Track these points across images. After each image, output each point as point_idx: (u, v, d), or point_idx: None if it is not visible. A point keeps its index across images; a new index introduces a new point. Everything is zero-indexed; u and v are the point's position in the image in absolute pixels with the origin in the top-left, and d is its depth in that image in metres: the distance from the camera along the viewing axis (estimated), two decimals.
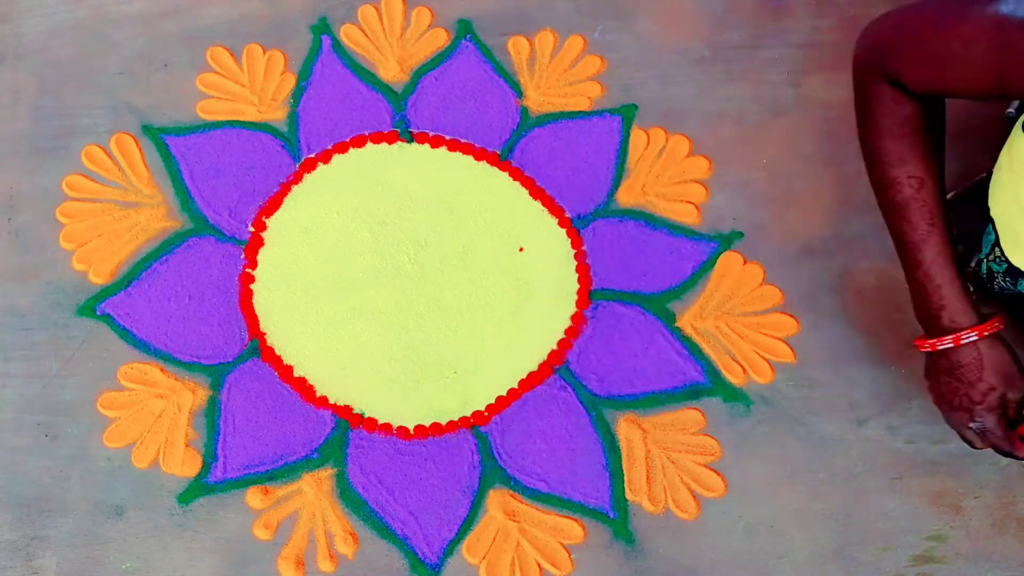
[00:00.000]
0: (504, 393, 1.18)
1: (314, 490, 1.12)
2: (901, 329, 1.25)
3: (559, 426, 1.17)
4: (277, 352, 1.18)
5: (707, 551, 1.13)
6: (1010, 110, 1.37)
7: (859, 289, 1.27)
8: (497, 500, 1.13)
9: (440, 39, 1.37)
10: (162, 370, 1.16)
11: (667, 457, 1.17)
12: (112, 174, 1.25)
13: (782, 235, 1.30)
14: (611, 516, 1.13)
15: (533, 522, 1.13)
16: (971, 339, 0.96)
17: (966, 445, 1.20)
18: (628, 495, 1.15)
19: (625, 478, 1.15)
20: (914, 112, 0.97)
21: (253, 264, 1.22)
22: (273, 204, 1.25)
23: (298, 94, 1.32)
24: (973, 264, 1.13)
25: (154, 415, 1.13)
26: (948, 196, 1.13)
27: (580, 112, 1.34)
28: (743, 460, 1.17)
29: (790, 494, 1.16)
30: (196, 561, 1.08)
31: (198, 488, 1.11)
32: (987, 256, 1.08)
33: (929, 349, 1.00)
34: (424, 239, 1.25)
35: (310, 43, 1.35)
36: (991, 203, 1.05)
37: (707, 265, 1.27)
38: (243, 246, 1.23)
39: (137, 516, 1.09)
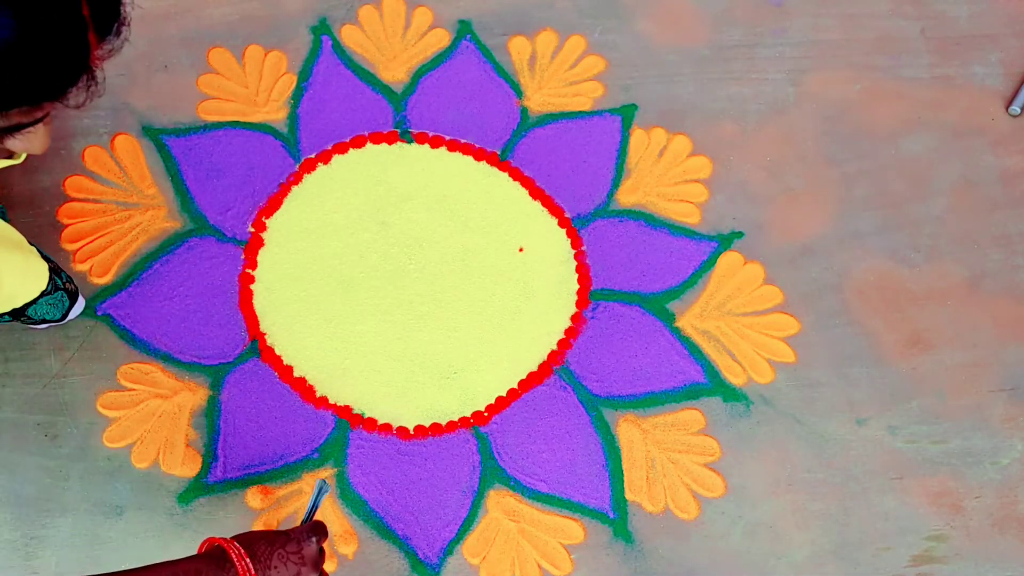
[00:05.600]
0: (504, 393, 1.18)
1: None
2: (901, 329, 1.26)
3: (559, 426, 1.17)
4: (277, 352, 1.18)
5: (707, 551, 1.13)
6: (1014, 107, 1.37)
7: (859, 289, 1.27)
8: (497, 500, 1.13)
9: (440, 39, 1.37)
10: (162, 370, 1.16)
11: (667, 457, 1.17)
12: (113, 175, 1.25)
13: (782, 235, 1.30)
14: (611, 516, 1.13)
15: (533, 522, 1.13)
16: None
17: (966, 445, 1.20)
18: (628, 495, 1.14)
19: (625, 478, 1.15)
20: None
21: (253, 264, 1.22)
22: (273, 204, 1.25)
23: (298, 95, 1.32)
24: None
25: (154, 415, 1.13)
26: None
27: (580, 112, 1.34)
28: (743, 460, 1.17)
29: (790, 494, 1.16)
30: None
31: (198, 488, 1.11)
32: None
33: None
34: (424, 239, 1.25)
35: (310, 44, 1.35)
36: None
37: (707, 265, 1.27)
38: (243, 246, 1.23)
39: (137, 516, 1.09)
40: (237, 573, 0.82)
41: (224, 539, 0.85)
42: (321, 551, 0.92)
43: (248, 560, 0.82)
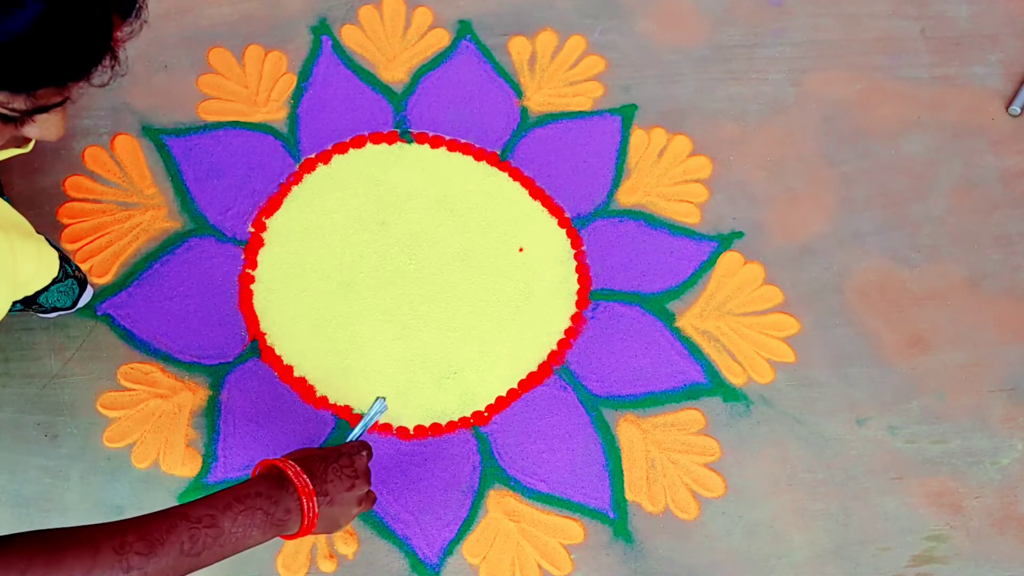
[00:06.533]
0: (504, 393, 1.18)
1: None
2: (901, 329, 1.25)
3: (559, 426, 1.17)
4: (277, 352, 1.18)
5: (707, 551, 1.13)
6: (1014, 107, 1.37)
7: (859, 289, 1.27)
8: (497, 500, 1.13)
9: (440, 39, 1.37)
10: (162, 370, 1.16)
11: (667, 457, 1.17)
12: (113, 175, 1.25)
13: (782, 235, 1.30)
14: (611, 516, 1.13)
15: (533, 522, 1.13)
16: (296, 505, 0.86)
17: (966, 445, 1.21)
18: (628, 495, 1.15)
19: (625, 478, 1.15)
20: None
21: (253, 264, 1.22)
22: (273, 204, 1.25)
23: (298, 95, 1.32)
24: None
25: (154, 415, 1.13)
26: None
27: (580, 112, 1.34)
28: (743, 460, 1.17)
29: (790, 494, 1.16)
30: None
31: (198, 488, 1.11)
32: None
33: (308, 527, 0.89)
34: (424, 239, 1.25)
35: (310, 44, 1.35)
36: None
37: (707, 265, 1.27)
38: (243, 246, 1.23)
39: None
40: (296, 489, 0.85)
41: (280, 459, 0.88)
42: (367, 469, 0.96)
43: (306, 477, 0.87)
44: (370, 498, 0.97)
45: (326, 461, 0.91)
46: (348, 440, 1.02)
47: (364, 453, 0.97)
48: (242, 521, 0.81)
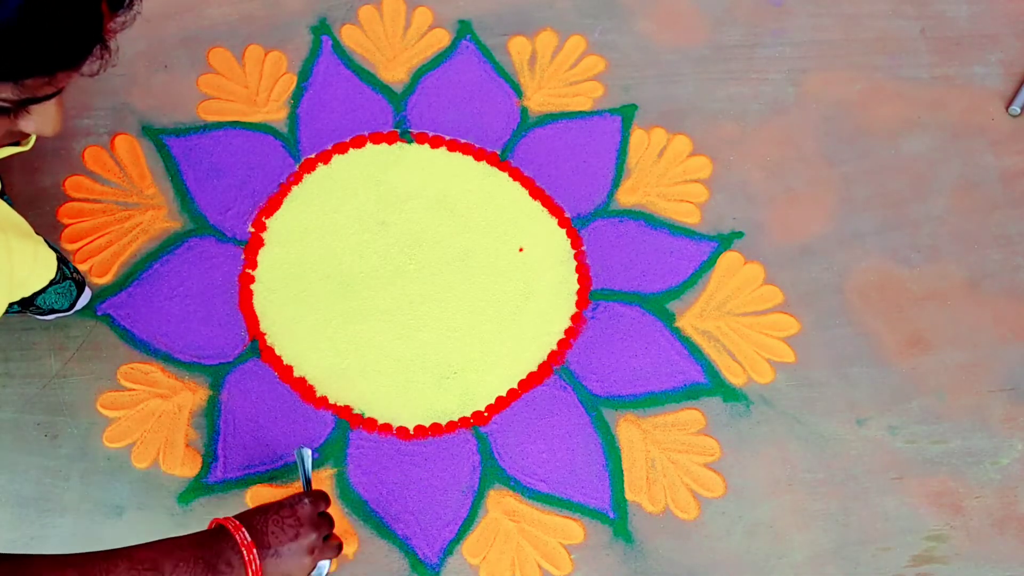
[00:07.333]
0: (504, 393, 1.18)
1: None
2: (901, 329, 1.26)
3: (559, 426, 1.17)
4: (277, 352, 1.18)
5: (707, 551, 1.13)
6: (1014, 107, 1.38)
7: (859, 289, 1.27)
8: (497, 500, 1.13)
9: (440, 39, 1.37)
10: (162, 370, 1.16)
11: (667, 457, 1.17)
12: (113, 175, 1.25)
13: (782, 235, 1.30)
14: (611, 516, 1.13)
15: (533, 522, 1.13)
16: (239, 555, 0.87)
17: (966, 445, 1.20)
18: (628, 495, 1.14)
19: (625, 478, 1.15)
20: None
21: (253, 264, 1.22)
22: (273, 204, 1.25)
23: (298, 95, 1.32)
24: None
25: (154, 415, 1.13)
26: None
27: (580, 112, 1.34)
28: (743, 460, 1.17)
29: (790, 494, 1.16)
30: None
31: (198, 488, 1.11)
32: None
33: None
34: (424, 239, 1.25)
35: (310, 44, 1.35)
36: None
37: (707, 265, 1.27)
38: (243, 246, 1.23)
39: (137, 516, 1.09)
40: (236, 542, 0.86)
41: (225, 518, 0.90)
42: (325, 516, 0.95)
43: (244, 531, 0.87)
44: (331, 545, 0.94)
45: (266, 513, 0.91)
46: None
47: (307, 501, 0.93)
48: (183, 568, 0.82)
